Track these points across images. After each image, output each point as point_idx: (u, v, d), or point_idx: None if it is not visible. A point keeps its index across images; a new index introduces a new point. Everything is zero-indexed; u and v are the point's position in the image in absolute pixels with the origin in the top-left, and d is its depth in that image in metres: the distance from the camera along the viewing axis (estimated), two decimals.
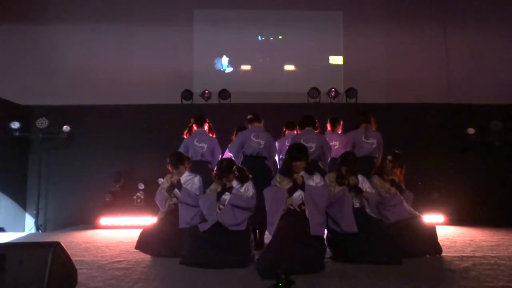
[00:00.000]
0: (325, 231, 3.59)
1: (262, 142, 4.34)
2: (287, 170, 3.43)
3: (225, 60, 8.93)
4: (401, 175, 3.93)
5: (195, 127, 4.73)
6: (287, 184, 3.37)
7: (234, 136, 4.74)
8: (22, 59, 8.18)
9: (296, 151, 3.43)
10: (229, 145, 4.59)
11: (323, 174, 3.87)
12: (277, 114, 6.08)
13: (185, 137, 4.75)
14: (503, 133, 6.27)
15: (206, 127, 4.74)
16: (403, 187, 3.89)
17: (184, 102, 7.53)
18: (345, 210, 3.47)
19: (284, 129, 5.13)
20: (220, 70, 8.93)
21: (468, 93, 7.74)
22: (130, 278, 2.98)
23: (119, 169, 6.78)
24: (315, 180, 3.42)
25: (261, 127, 4.49)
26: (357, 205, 3.61)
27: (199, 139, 4.60)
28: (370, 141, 4.58)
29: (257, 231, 4.17)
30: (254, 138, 4.34)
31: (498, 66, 8.17)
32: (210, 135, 4.74)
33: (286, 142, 4.63)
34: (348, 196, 3.54)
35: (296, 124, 4.71)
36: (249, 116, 4.57)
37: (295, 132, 4.77)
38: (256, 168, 4.10)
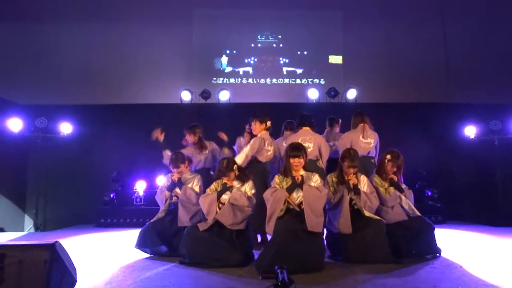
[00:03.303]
0: (325, 230, 3.60)
1: (270, 148, 4.31)
2: (285, 169, 3.47)
3: (224, 59, 8.93)
4: (400, 174, 3.91)
5: (187, 137, 4.65)
6: (287, 183, 3.39)
7: (245, 137, 4.67)
8: (22, 58, 8.19)
9: (294, 149, 3.47)
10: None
11: (321, 173, 3.88)
12: (277, 114, 6.06)
13: (183, 143, 4.70)
14: (502, 132, 6.27)
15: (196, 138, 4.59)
16: (403, 186, 3.89)
17: (184, 101, 7.54)
18: (342, 211, 3.48)
19: (283, 129, 5.12)
20: (219, 69, 8.93)
21: (467, 92, 7.75)
22: (130, 277, 2.99)
23: (119, 169, 6.79)
24: (314, 180, 3.43)
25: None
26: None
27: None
28: (367, 140, 4.57)
29: (258, 231, 4.18)
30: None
31: (498, 65, 8.17)
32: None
33: (284, 143, 4.62)
34: (347, 197, 3.54)
35: (295, 124, 4.71)
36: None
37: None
38: (256, 170, 4.10)
